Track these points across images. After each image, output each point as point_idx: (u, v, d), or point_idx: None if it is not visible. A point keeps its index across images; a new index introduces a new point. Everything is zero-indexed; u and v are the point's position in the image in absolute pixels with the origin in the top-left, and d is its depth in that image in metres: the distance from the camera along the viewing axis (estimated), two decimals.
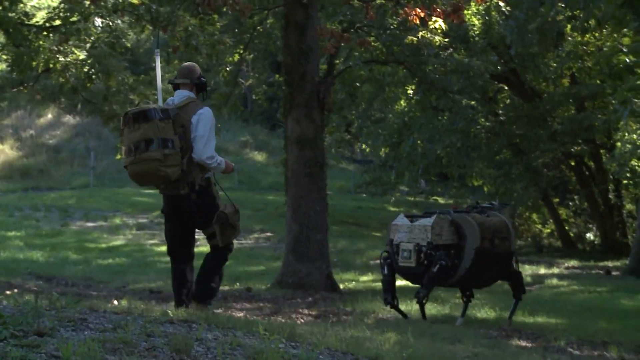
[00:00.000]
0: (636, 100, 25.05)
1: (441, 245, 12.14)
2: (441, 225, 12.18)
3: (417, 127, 30.73)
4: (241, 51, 22.18)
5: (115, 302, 10.18)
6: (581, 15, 24.95)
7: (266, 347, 6.06)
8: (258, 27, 21.93)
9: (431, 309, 14.19)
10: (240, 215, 8.80)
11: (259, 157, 49.63)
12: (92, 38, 19.35)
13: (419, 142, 30.60)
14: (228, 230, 8.56)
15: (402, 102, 31.57)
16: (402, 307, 14.14)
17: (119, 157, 20.28)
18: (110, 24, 19.51)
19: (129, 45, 22.51)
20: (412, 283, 13.20)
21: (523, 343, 11.45)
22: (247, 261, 22.80)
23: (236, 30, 22.35)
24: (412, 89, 27.41)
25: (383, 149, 32.84)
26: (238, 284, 18.44)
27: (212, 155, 8.51)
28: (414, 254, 12.15)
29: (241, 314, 12.78)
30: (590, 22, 24.83)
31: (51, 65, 19.12)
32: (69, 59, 19.30)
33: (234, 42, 21.59)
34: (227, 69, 21.82)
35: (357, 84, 24.26)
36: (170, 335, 6.11)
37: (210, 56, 19.28)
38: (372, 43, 19.75)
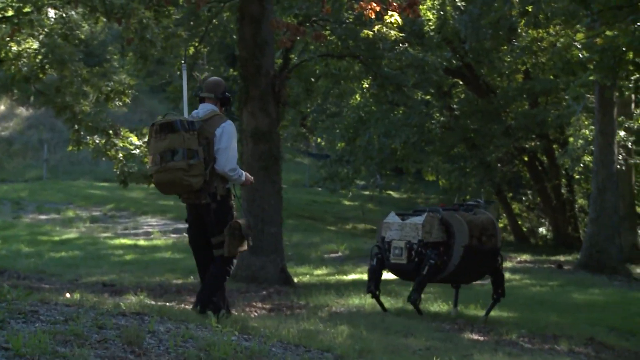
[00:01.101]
0: (589, 95, 25.34)
1: (431, 242, 12.41)
2: (431, 224, 12.46)
3: (373, 122, 30.78)
4: (196, 44, 22.11)
5: (68, 295, 10.12)
6: (531, 10, 25.17)
7: (218, 340, 6.07)
8: (214, 20, 21.86)
9: (385, 302, 14.24)
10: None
11: None
12: (46, 29, 19.17)
13: (375, 136, 30.65)
14: (237, 241, 8.76)
15: (357, 96, 31.62)
16: (356, 301, 14.22)
17: (70, 148, 20.13)
18: (64, 15, 19.34)
19: (82, 37, 22.32)
20: (403, 279, 13.53)
21: (475, 336, 11.52)
22: None
23: (191, 23, 22.27)
24: (367, 84, 27.47)
25: (339, 144, 32.86)
26: (192, 277, 18.39)
27: (234, 168, 8.80)
28: (405, 251, 12.46)
29: None
30: (540, 17, 25.06)
31: (3, 55, 18.93)
32: (21, 48, 19.11)
33: (189, 36, 21.50)
34: (182, 62, 21.73)
35: (313, 79, 24.25)
36: (122, 328, 6.10)
37: (165, 49, 19.17)
38: (328, 37, 19.77)
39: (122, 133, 19.40)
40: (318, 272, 20.51)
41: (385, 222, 12.86)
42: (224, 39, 24.70)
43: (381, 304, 13.19)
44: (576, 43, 24.16)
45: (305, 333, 8.59)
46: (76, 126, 19.26)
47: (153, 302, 9.91)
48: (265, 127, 17.38)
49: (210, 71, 32.44)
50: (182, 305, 12.71)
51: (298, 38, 18.04)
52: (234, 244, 8.77)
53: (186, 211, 9.12)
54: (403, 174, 37.23)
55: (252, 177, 9.29)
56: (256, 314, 12.94)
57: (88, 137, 19.34)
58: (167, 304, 10.47)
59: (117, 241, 24.77)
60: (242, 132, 17.78)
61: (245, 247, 8.92)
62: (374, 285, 12.90)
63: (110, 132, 19.24)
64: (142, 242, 24.59)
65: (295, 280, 18.10)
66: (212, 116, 8.93)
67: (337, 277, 19.68)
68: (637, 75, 21.62)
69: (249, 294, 15.61)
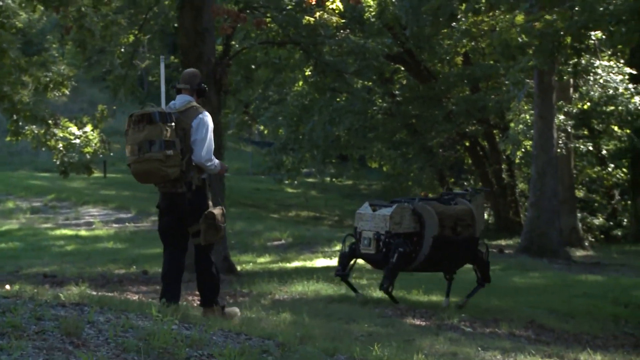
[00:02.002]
0: (528, 80, 25.57)
1: (402, 233, 12.61)
2: (401, 215, 12.66)
3: (317, 110, 30.80)
4: (136, 32, 21.93)
5: (7, 287, 10.02)
6: None
7: (159, 329, 6.04)
8: (154, 8, 21.70)
9: (327, 289, 14.29)
10: (225, 216, 9.29)
11: None
12: None
13: (319, 124, 30.63)
14: (212, 230, 9.01)
15: (300, 83, 31.61)
16: (299, 288, 14.24)
17: (8, 138, 19.89)
18: (0, 3, 19.07)
19: (20, 25, 22.02)
20: (375, 268, 13.74)
21: (417, 321, 11.61)
22: (144, 244, 22.63)
23: (131, 11, 22.08)
24: (309, 71, 27.45)
25: (282, 131, 32.80)
26: (134, 267, 18.31)
27: (210, 158, 9.00)
28: (373, 241, 12.66)
29: (136, 297, 12.69)
30: (481, 4, 25.19)
31: None
32: None
33: (129, 23, 21.32)
34: (122, 50, 21.55)
35: (253, 67, 24.19)
36: (60, 319, 6.05)
37: (104, 38, 18.98)
38: (269, 24, 19.72)
39: (61, 123, 19.20)
40: (261, 260, 20.51)
41: (358, 213, 13.12)
42: (165, 27, 24.51)
43: (351, 286, 13.33)
44: (515, 27, 24.33)
45: (247, 321, 8.61)
46: (14, 116, 19.01)
47: (94, 293, 9.85)
48: None
49: (152, 59, 32.19)
50: (124, 295, 12.66)
51: (239, 25, 18.02)
52: (209, 233, 8.99)
53: (160, 199, 9.24)
54: (347, 160, 37.32)
55: (227, 166, 9.55)
56: (198, 303, 12.91)
57: (27, 127, 19.12)
58: (109, 294, 10.42)
59: (58, 232, 24.57)
60: None
61: (220, 236, 9.16)
62: (341, 269, 13.08)
63: (50, 121, 19.02)
64: (83, 233, 24.41)
65: (238, 268, 18.08)
66: (188, 107, 9.07)
67: (280, 264, 19.70)
68: (575, 60, 21.91)
69: (192, 283, 15.53)
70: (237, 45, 21.57)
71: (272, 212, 33.75)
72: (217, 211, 9.03)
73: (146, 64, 33.44)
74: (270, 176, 35.86)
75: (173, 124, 8.79)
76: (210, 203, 9.13)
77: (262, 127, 39.85)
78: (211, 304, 9.21)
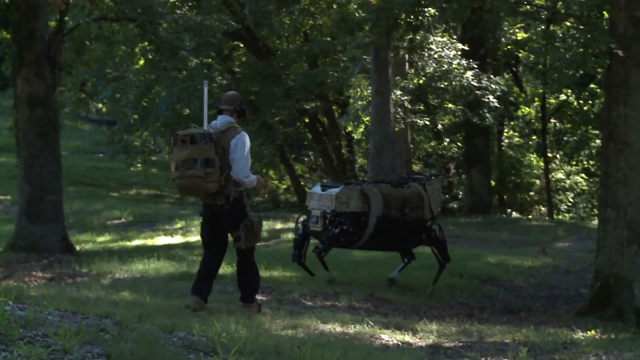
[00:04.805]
0: (365, 57, 25.89)
1: (349, 212, 13.42)
2: (348, 195, 13.50)
3: (163, 88, 30.37)
4: None
5: None
6: None
7: None
8: None
9: (168, 267, 14.26)
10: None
11: None
12: None
13: (166, 104, 30.23)
14: (250, 236, 9.99)
15: (141, 62, 31.13)
16: (139, 266, 14.17)
17: None
18: None
19: None
20: None
21: (258, 296, 11.68)
22: None
23: None
24: (148, 48, 27.06)
25: (126, 110, 32.24)
26: None
27: (248, 175, 9.99)
28: (320, 219, 13.50)
29: None
30: None
31: None
32: None
33: None
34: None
35: (87, 42, 23.69)
36: None
37: None
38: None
39: None
40: (101, 239, 20.24)
41: (309, 193, 14.19)
42: None
43: (308, 269, 13.89)
44: (352, 3, 24.57)
45: (84, 300, 8.51)
46: None
47: None
48: (41, 93, 16.98)
49: None
50: None
51: (72, 1, 17.68)
52: (248, 239, 9.98)
53: (203, 209, 10.25)
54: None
55: (263, 180, 10.52)
56: (36, 284, 12.70)
57: None
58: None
59: None
60: (17, 99, 17.29)
61: (257, 240, 10.18)
62: (297, 254, 13.78)
63: None
64: None
65: (77, 248, 17.80)
66: (228, 127, 9.99)
67: (121, 243, 19.49)
68: (411, 36, 22.32)
69: (29, 264, 15.26)
70: (71, 22, 21.10)
71: (112, 190, 33.30)
72: (255, 219, 9.98)
73: None
74: (116, 158, 35.03)
75: (213, 143, 9.73)
76: (249, 212, 10.03)
77: (100, 105, 39.14)
78: (251, 300, 10.21)
